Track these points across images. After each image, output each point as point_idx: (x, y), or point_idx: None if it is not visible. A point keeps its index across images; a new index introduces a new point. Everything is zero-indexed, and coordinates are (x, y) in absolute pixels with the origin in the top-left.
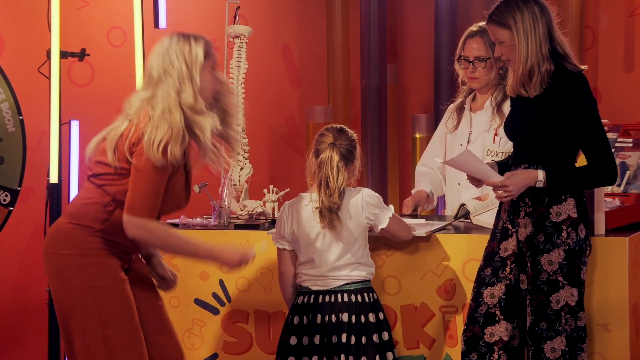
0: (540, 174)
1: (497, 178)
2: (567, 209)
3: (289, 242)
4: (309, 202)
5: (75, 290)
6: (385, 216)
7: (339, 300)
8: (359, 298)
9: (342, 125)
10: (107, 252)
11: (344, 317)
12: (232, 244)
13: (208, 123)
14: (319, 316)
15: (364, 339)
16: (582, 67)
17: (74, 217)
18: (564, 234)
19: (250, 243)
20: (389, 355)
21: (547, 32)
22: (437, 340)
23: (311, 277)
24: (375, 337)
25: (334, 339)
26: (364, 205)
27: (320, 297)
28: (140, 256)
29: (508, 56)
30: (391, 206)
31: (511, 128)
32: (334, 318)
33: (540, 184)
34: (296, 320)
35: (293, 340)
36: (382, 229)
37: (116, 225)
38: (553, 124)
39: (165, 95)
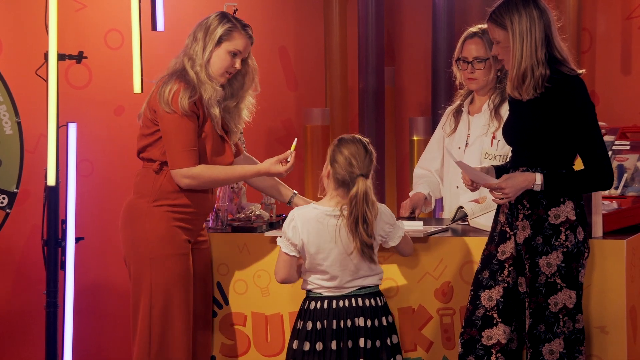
0: (538, 178)
1: (495, 180)
2: (566, 211)
3: (299, 251)
4: (325, 217)
5: (144, 259)
6: (397, 234)
7: (354, 304)
8: (372, 302)
9: (361, 138)
10: (174, 220)
11: (360, 321)
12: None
13: (208, 91)
14: (335, 322)
15: (377, 343)
16: (580, 70)
17: (138, 192)
18: (563, 237)
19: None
20: (398, 358)
21: (544, 36)
22: (434, 342)
23: (324, 288)
24: (388, 341)
25: (350, 344)
26: (381, 224)
27: (334, 302)
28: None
29: (503, 56)
30: (402, 223)
31: (509, 132)
32: (349, 323)
33: (537, 188)
34: (309, 325)
35: (306, 346)
36: (391, 246)
37: (172, 186)
38: (550, 128)
39: (184, 57)
